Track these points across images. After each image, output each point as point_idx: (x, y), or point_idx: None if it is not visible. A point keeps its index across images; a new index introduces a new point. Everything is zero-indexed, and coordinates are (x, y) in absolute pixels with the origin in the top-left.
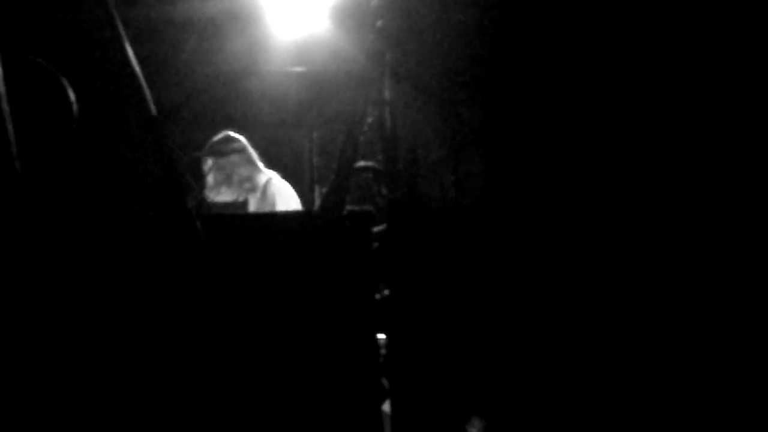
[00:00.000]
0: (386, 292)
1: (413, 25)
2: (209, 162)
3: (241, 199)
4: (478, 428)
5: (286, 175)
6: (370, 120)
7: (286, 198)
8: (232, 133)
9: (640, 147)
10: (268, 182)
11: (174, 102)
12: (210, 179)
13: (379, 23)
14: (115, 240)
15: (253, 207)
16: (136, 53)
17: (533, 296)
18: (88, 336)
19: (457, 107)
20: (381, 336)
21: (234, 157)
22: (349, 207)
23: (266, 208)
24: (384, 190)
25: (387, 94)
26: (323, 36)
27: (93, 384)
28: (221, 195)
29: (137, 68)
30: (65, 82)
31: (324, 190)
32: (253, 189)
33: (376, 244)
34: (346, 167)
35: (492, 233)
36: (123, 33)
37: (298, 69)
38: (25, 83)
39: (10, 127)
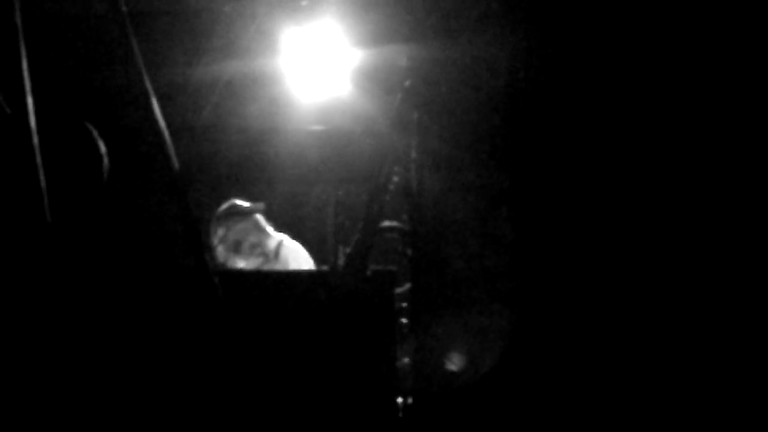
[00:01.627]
0: (405, 360)
1: (440, 87)
2: (219, 231)
3: (251, 266)
4: (458, 365)
5: (308, 234)
6: (396, 179)
7: (299, 259)
8: (238, 201)
9: (661, 196)
10: (279, 245)
11: (196, 163)
12: (220, 249)
13: (407, 83)
14: (136, 294)
15: None
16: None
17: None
18: (107, 389)
19: (484, 169)
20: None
21: (242, 225)
22: (372, 267)
23: None
24: (408, 251)
25: (413, 154)
26: (345, 98)
27: None
28: (232, 264)
29: (162, 125)
30: (96, 135)
31: (347, 249)
32: (264, 254)
33: (398, 305)
34: (371, 226)
35: (518, 298)
36: (150, 89)
37: (321, 128)
38: (57, 135)
39: (42, 179)
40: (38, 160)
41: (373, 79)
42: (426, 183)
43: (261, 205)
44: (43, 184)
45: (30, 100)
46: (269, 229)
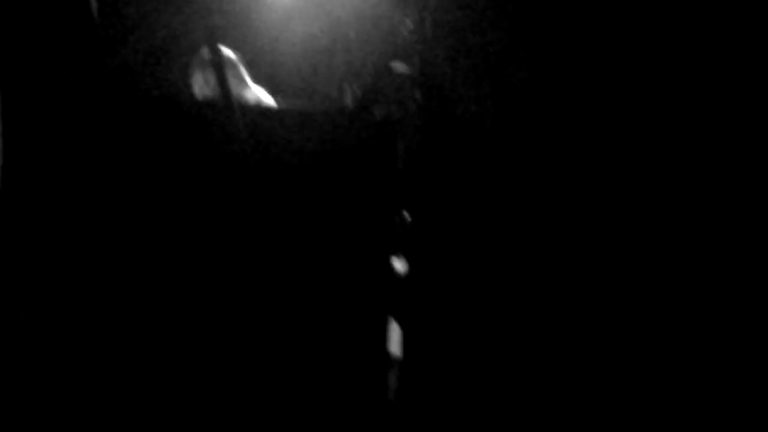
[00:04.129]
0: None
1: None
2: (197, 76)
3: None
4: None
5: (315, 71)
6: (409, 22)
7: None
8: (222, 47)
9: None
10: (257, 99)
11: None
12: (195, 90)
13: None
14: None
15: None
16: None
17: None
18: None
19: (502, 19)
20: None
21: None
22: (379, 112)
23: None
24: (419, 97)
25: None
26: None
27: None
28: None
29: None
30: None
31: (355, 89)
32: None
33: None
34: (383, 69)
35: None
36: None
37: None
38: None
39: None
40: None
41: None
42: (440, 27)
43: (240, 55)
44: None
45: None
46: (249, 80)
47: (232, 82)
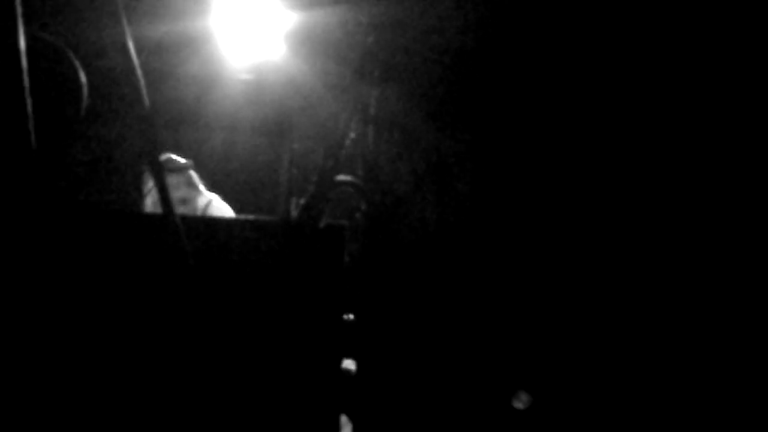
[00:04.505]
0: (351, 316)
1: (398, 48)
2: (149, 183)
3: None
4: (524, 402)
5: (261, 184)
6: (352, 135)
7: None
8: (173, 155)
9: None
10: (208, 204)
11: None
12: (148, 201)
13: (369, 39)
14: (95, 232)
15: None
16: None
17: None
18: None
19: (441, 129)
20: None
21: (173, 179)
22: (325, 221)
23: None
24: (363, 206)
25: (372, 110)
26: (278, 62)
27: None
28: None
29: (138, 67)
30: (77, 64)
31: (300, 201)
32: (192, 211)
33: (348, 260)
34: (327, 179)
35: (477, 252)
36: (127, 30)
37: (263, 80)
38: (40, 60)
39: (29, 102)
40: (26, 84)
41: (307, 42)
42: (382, 139)
43: (191, 162)
44: (29, 109)
45: (20, 24)
46: (201, 186)
47: (184, 188)
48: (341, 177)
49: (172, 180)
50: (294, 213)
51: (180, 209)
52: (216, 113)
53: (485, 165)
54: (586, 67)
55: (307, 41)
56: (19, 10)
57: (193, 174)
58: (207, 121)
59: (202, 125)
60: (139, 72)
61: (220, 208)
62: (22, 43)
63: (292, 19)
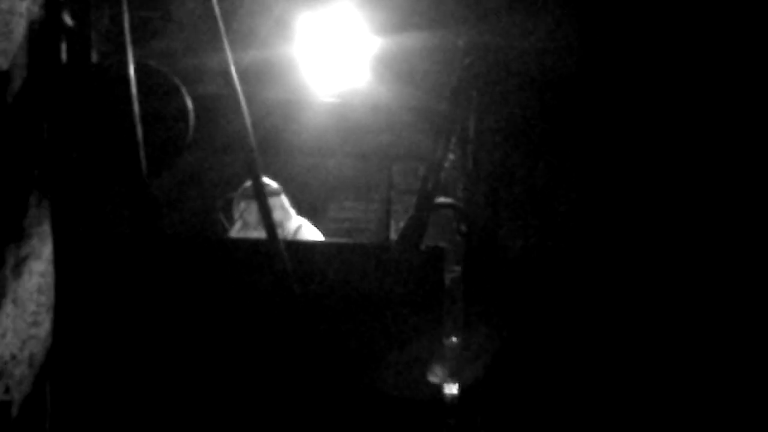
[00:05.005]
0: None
1: (495, 69)
2: (242, 205)
3: None
4: (440, 377)
5: (364, 207)
6: (452, 157)
7: None
8: (266, 178)
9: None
10: (298, 229)
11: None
12: (239, 223)
13: (466, 61)
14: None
15: None
16: None
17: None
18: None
19: (542, 150)
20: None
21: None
22: (425, 244)
23: None
24: (464, 228)
25: (471, 133)
26: (363, 89)
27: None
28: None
29: (243, 101)
30: (184, 91)
31: (400, 224)
32: (284, 235)
33: (448, 282)
34: (426, 202)
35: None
36: (230, 57)
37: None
38: (147, 89)
39: (139, 131)
40: (136, 111)
41: (392, 68)
42: (482, 161)
43: (281, 188)
44: (140, 136)
45: (130, 53)
46: (292, 211)
47: (278, 211)
48: (441, 199)
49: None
50: (393, 234)
51: None
52: (301, 138)
53: (584, 189)
54: (683, 90)
55: (392, 67)
56: (128, 38)
57: (285, 198)
58: (291, 146)
59: (286, 150)
60: (243, 100)
61: (311, 232)
62: (132, 72)
63: (377, 45)
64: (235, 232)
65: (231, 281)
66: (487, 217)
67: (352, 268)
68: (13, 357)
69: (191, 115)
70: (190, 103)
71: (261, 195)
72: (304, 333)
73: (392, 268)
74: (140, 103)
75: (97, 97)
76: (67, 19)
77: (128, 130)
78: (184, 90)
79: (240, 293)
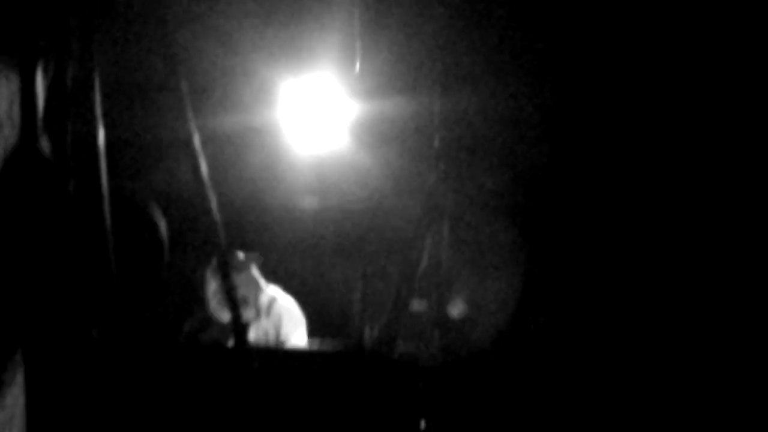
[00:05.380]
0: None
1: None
2: (212, 284)
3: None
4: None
5: (332, 307)
6: (425, 261)
7: (292, 317)
8: (238, 252)
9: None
10: (272, 301)
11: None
12: (213, 302)
13: (441, 166)
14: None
15: (254, 330)
16: None
17: None
18: None
19: (516, 252)
20: None
21: (236, 277)
22: (399, 349)
23: (271, 327)
24: (437, 335)
25: (444, 234)
26: (342, 150)
27: None
28: (221, 317)
29: (209, 186)
30: (160, 220)
31: (372, 328)
32: (255, 309)
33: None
34: (401, 308)
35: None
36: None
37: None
38: (121, 217)
39: (113, 261)
40: (110, 242)
41: (371, 131)
42: (456, 266)
43: (256, 256)
44: (114, 266)
45: (105, 183)
46: (263, 283)
47: (247, 284)
48: (416, 306)
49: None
50: (367, 340)
51: (244, 308)
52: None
53: (574, 276)
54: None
55: (370, 131)
56: (103, 163)
57: (255, 271)
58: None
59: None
60: (213, 201)
61: (285, 304)
62: (107, 205)
63: (355, 110)
64: (212, 308)
65: (200, 389)
66: (461, 323)
67: (324, 376)
68: None
69: (166, 246)
70: (164, 232)
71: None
72: None
73: (366, 377)
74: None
75: (69, 225)
76: (45, 146)
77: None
78: (161, 222)
79: (209, 401)
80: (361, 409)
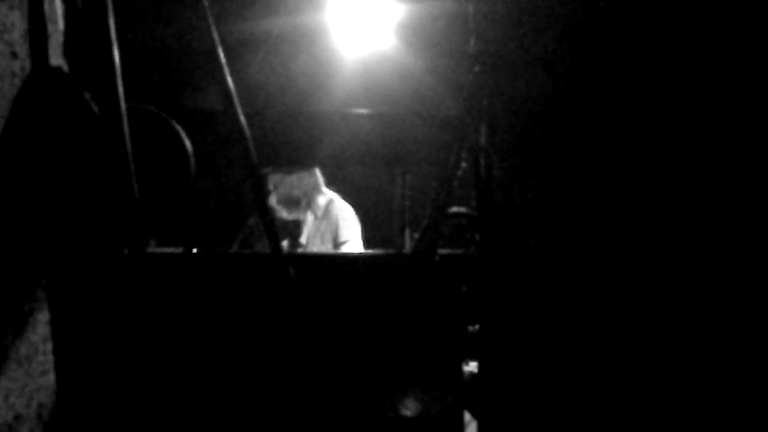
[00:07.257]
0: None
1: (507, 75)
2: (272, 181)
3: (292, 217)
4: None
5: (375, 217)
6: (464, 165)
7: (347, 219)
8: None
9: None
10: (330, 203)
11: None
12: (273, 196)
13: (476, 68)
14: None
15: (312, 227)
16: None
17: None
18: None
19: (554, 154)
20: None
21: (296, 177)
22: (440, 252)
23: (327, 229)
24: (477, 237)
25: (482, 140)
26: (388, 52)
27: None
28: (278, 215)
29: (241, 115)
30: (184, 135)
31: (415, 234)
32: (313, 210)
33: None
34: (439, 212)
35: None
36: (231, 86)
37: (385, 111)
38: (144, 134)
39: (134, 179)
40: (130, 161)
41: (417, 33)
42: (494, 169)
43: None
44: (134, 185)
45: (122, 101)
46: (322, 185)
47: (308, 185)
48: (454, 209)
49: (294, 177)
50: (408, 244)
51: (302, 208)
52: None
53: (601, 190)
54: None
55: (416, 33)
56: (119, 84)
57: (318, 172)
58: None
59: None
60: (247, 133)
61: (341, 206)
62: (126, 124)
63: (401, 11)
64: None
65: (236, 300)
66: (500, 225)
67: (368, 279)
68: (18, 417)
69: (191, 159)
70: (189, 146)
71: (268, 223)
72: (309, 350)
73: (408, 279)
74: (135, 149)
75: (89, 144)
76: (63, 64)
77: (122, 179)
78: (182, 132)
79: (245, 311)
80: (402, 315)
